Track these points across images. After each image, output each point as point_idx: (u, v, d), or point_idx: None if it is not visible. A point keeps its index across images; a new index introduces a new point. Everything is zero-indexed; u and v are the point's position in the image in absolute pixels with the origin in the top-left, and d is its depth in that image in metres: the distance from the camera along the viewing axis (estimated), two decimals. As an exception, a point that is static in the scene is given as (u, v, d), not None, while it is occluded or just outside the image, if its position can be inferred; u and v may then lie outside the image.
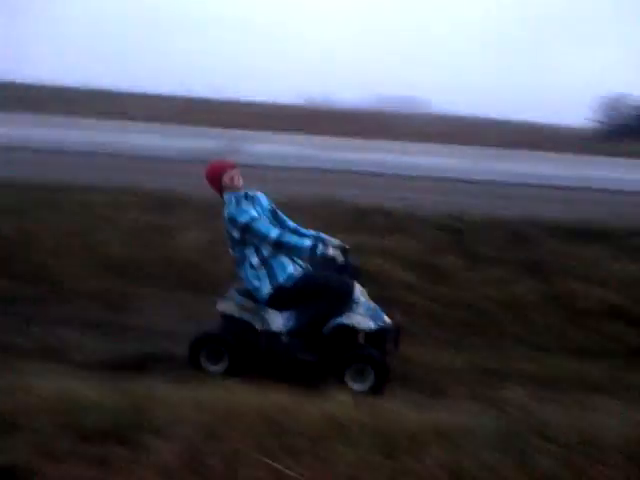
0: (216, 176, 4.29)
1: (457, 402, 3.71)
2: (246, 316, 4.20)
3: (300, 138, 20.07)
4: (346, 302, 4.12)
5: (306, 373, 4.06)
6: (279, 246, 4.09)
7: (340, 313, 4.10)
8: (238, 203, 4.19)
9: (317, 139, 20.33)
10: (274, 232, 4.10)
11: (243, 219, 4.09)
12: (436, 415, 2.90)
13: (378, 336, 4.16)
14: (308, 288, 4.15)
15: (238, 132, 20.37)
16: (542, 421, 2.70)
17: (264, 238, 4.08)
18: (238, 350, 4.20)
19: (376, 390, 4.00)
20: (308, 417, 2.63)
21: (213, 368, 4.18)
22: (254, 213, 4.16)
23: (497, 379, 4.31)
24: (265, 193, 4.52)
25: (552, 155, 21.61)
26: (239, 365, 4.16)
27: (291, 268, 4.20)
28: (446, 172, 13.42)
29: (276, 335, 4.14)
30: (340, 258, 4.15)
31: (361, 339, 4.18)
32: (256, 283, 4.16)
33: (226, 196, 4.26)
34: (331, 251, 4.12)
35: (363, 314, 4.14)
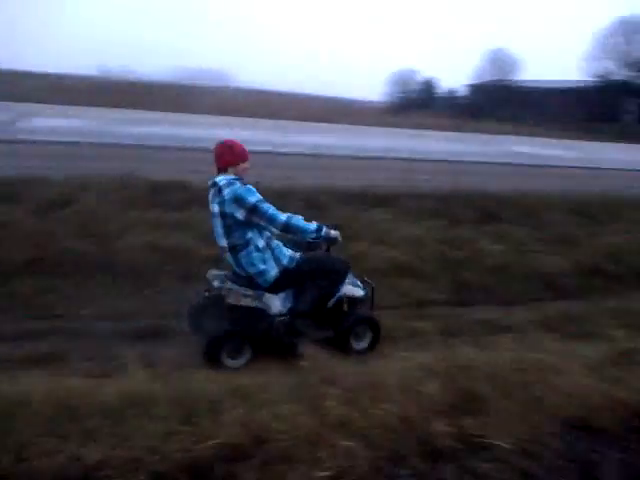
0: (240, 158, 4.15)
1: (261, 364, 3.84)
2: (260, 304, 4.17)
3: (91, 111, 18.92)
4: (345, 279, 4.42)
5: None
6: (287, 229, 4.04)
7: (339, 288, 4.40)
8: (244, 184, 4.03)
9: (109, 112, 19.32)
10: (282, 215, 4.04)
11: (253, 199, 3.96)
12: (236, 378, 2.99)
13: (356, 300, 4.57)
14: (311, 269, 4.28)
15: (18, 105, 18.61)
16: (332, 371, 2.93)
17: (272, 220, 4.00)
18: (260, 341, 4.16)
19: (373, 345, 4.49)
20: (104, 398, 2.57)
21: (235, 363, 4.08)
22: (260, 195, 4.04)
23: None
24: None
25: (345, 127, 22.93)
26: (259, 354, 4.13)
27: (287, 251, 4.28)
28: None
29: (291, 318, 4.24)
30: (340, 239, 4.29)
31: (345, 306, 4.51)
32: (261, 266, 4.11)
33: (226, 177, 4.06)
34: (333, 232, 4.23)
35: (351, 284, 4.54)
